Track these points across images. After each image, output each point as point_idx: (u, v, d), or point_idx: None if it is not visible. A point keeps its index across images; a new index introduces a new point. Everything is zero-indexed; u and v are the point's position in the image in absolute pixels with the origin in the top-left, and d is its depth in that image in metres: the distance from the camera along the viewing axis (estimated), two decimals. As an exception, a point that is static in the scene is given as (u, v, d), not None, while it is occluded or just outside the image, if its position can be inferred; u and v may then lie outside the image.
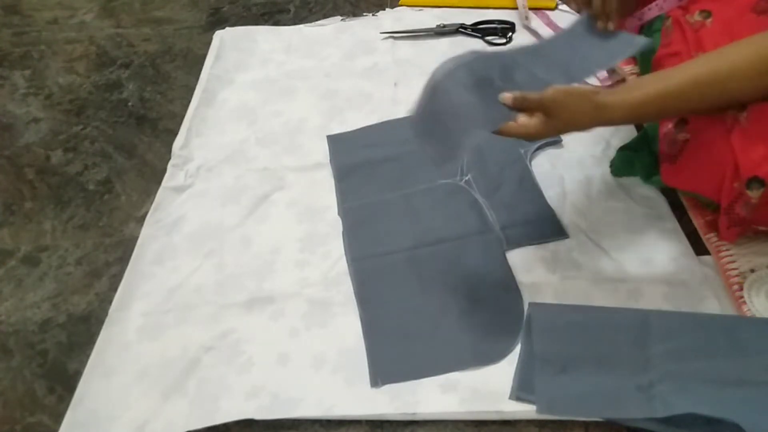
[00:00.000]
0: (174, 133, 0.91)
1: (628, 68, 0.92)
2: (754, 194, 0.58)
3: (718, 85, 0.58)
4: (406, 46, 1.05)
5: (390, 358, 0.63)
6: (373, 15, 1.14)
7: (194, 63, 1.06)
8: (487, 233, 0.73)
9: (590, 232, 0.73)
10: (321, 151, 0.87)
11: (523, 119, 0.59)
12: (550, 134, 0.60)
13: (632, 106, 0.59)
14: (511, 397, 0.59)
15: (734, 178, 0.59)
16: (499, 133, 0.60)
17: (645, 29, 0.84)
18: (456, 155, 0.60)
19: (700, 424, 0.55)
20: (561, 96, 0.58)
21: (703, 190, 0.65)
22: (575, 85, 0.61)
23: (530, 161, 0.81)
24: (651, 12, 0.80)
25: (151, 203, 0.81)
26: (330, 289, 0.70)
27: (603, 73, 0.94)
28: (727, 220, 0.62)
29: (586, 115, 0.59)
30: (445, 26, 1.07)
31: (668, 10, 0.77)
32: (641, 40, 0.70)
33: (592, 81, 0.94)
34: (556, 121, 0.59)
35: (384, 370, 0.62)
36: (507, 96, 0.60)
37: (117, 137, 0.93)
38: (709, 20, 0.71)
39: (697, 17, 0.72)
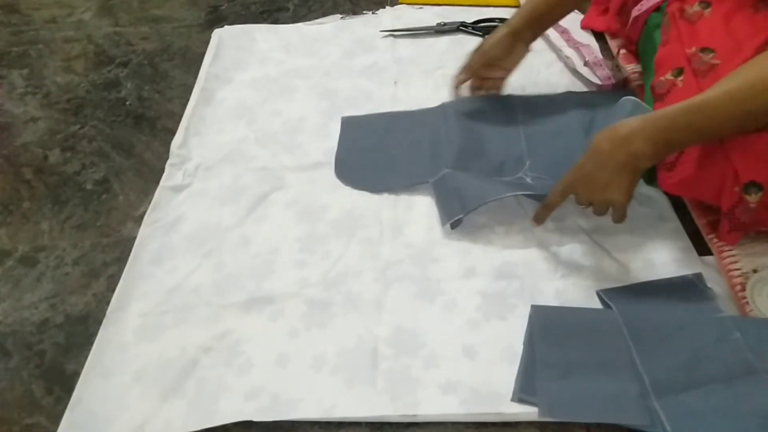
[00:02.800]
0: (172, 133, 0.90)
1: (630, 67, 0.91)
2: (752, 198, 0.58)
3: (757, 96, 0.56)
4: (406, 45, 1.05)
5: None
6: (372, 13, 1.14)
7: (192, 62, 1.05)
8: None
9: (592, 233, 0.73)
10: (320, 151, 0.86)
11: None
12: (579, 171, 0.63)
13: (656, 126, 0.58)
14: (512, 399, 0.58)
15: (734, 182, 0.59)
16: (544, 207, 0.68)
17: (645, 27, 0.83)
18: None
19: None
20: None
21: (703, 196, 0.65)
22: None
23: None
24: (649, 1, 0.80)
25: (149, 203, 0.80)
26: (330, 290, 0.69)
27: (606, 72, 0.94)
28: (729, 225, 0.62)
29: (608, 137, 0.60)
30: (445, 24, 1.07)
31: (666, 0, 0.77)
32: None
33: (594, 79, 0.94)
34: (579, 160, 0.62)
35: None
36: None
37: (115, 136, 0.93)
38: (708, 10, 0.70)
39: (696, 8, 0.71)
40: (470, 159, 0.79)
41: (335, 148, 0.86)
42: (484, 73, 0.85)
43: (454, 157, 0.79)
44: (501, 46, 0.81)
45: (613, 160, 0.59)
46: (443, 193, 0.76)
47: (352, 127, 0.89)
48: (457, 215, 0.72)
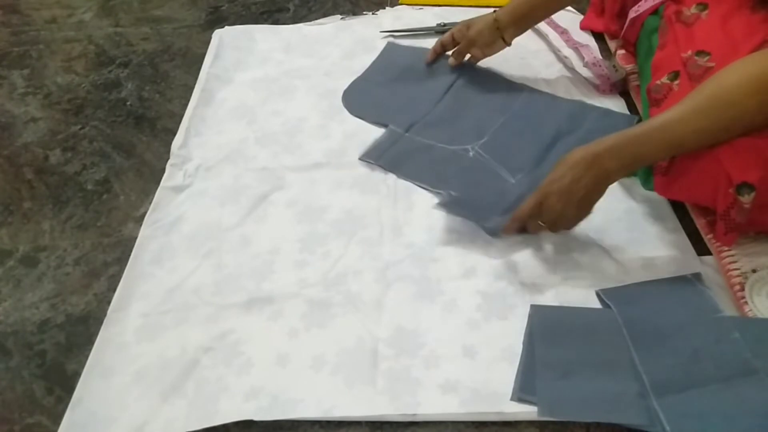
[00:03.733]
0: (173, 133, 0.91)
1: (629, 67, 0.91)
2: (745, 199, 0.59)
3: (720, 109, 0.58)
4: (407, 45, 1.05)
5: None
6: (372, 14, 1.14)
7: (193, 62, 1.05)
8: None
9: (591, 232, 0.73)
10: (320, 151, 0.87)
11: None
12: (553, 184, 0.65)
13: (624, 145, 0.62)
14: (512, 399, 0.58)
15: (727, 184, 0.59)
16: (514, 218, 0.69)
17: (642, 29, 0.84)
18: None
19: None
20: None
21: (698, 199, 0.65)
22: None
23: None
24: (647, 3, 0.80)
25: (150, 203, 0.80)
26: (329, 290, 0.69)
27: (605, 73, 0.94)
28: (724, 226, 0.62)
29: (583, 155, 0.63)
30: (445, 25, 1.07)
31: (662, 2, 0.77)
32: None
33: (593, 79, 0.94)
34: (553, 174, 0.65)
35: None
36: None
37: (115, 137, 0.93)
38: (705, 13, 0.71)
39: (693, 10, 0.72)
40: (440, 119, 0.88)
41: (335, 148, 0.86)
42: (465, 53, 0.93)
43: (427, 112, 0.89)
44: (484, 37, 0.88)
45: (588, 175, 0.63)
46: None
47: (389, 54, 1.01)
48: (371, 158, 0.83)
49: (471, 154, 0.82)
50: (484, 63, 0.96)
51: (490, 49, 0.89)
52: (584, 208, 0.66)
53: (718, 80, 0.60)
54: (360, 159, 0.84)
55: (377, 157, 0.84)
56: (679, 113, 0.60)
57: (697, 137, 0.60)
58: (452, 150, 0.83)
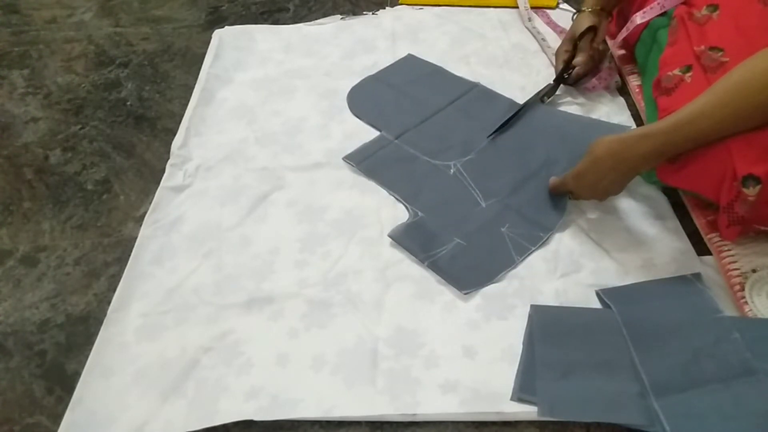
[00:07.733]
0: (173, 133, 0.91)
1: (628, 67, 0.91)
2: (750, 192, 0.58)
3: (747, 97, 0.58)
4: (406, 45, 1.05)
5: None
6: (373, 14, 1.14)
7: (193, 62, 1.05)
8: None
9: (591, 232, 0.73)
10: (320, 151, 0.87)
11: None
12: (581, 179, 0.69)
13: (657, 131, 0.62)
14: (512, 398, 0.58)
15: (733, 177, 0.59)
16: (551, 188, 0.75)
17: (646, 30, 0.84)
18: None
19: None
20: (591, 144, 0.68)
21: (702, 190, 0.65)
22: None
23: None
24: (653, 11, 0.80)
25: (150, 203, 0.80)
26: (329, 290, 0.69)
27: (604, 72, 0.94)
28: (727, 219, 0.62)
29: (608, 152, 0.65)
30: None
31: (669, 8, 0.77)
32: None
33: (593, 79, 0.94)
34: (582, 162, 0.68)
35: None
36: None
37: (115, 137, 0.93)
38: (716, 13, 0.71)
39: (704, 12, 0.72)
40: (434, 129, 0.88)
41: (335, 148, 0.86)
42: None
43: (423, 120, 0.89)
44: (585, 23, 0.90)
45: (612, 174, 0.66)
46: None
47: (406, 62, 1.01)
48: (353, 161, 0.83)
49: (452, 171, 0.81)
50: (487, 68, 0.96)
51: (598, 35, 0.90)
52: (613, 194, 0.70)
53: (744, 69, 0.59)
54: (343, 159, 0.84)
55: (359, 161, 0.83)
56: (705, 105, 0.60)
57: (722, 127, 0.60)
58: (434, 164, 0.82)
